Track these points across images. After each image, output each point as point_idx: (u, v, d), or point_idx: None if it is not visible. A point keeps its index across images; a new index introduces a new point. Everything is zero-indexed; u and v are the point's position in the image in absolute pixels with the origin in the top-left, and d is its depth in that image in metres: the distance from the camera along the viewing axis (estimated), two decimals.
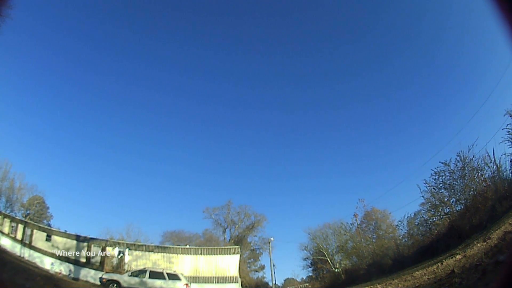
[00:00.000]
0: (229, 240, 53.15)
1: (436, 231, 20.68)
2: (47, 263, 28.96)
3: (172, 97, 79.86)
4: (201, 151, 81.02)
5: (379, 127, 72.35)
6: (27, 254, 30.01)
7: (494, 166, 17.67)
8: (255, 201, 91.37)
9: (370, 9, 66.09)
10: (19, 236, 31.37)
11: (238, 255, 33.77)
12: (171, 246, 37.25)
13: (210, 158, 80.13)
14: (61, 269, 28.82)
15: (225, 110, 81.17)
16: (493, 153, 18.01)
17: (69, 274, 28.43)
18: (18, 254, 28.84)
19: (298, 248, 60.07)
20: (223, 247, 39.43)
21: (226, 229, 55.74)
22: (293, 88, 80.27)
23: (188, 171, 78.76)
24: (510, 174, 16.61)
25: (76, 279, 27.25)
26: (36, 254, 30.10)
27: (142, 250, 32.07)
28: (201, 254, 32.43)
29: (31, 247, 30.67)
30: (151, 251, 32.09)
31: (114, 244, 32.08)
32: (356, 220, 37.26)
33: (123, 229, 56.24)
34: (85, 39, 69.96)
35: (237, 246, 37.30)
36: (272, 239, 45.01)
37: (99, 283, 20.21)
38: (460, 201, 19.92)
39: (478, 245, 10.27)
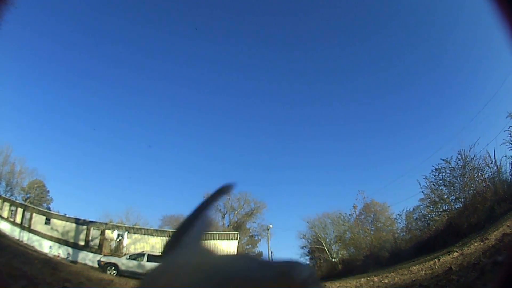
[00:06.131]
0: (228, 225, 53.33)
1: (434, 227, 20.96)
2: (46, 247, 29.16)
3: (172, 81, 79.53)
4: (203, 137, 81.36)
5: (382, 123, 72.42)
6: (26, 237, 30.21)
7: (495, 167, 17.87)
8: (255, 188, 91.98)
9: (376, 14, 65.77)
10: (18, 220, 31.59)
11: (237, 241, 34.35)
12: (170, 230, 36.93)
13: (211, 144, 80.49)
14: (60, 252, 28.92)
15: (227, 97, 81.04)
16: (494, 154, 18.15)
17: (67, 257, 28.41)
18: (17, 238, 29.03)
19: (296, 236, 60.50)
20: (221, 232, 39.56)
21: (226, 215, 55.97)
22: (299, 80, 79.93)
23: (189, 156, 79.16)
24: (510, 177, 16.80)
25: (75, 262, 27.12)
26: (35, 237, 30.35)
27: (141, 234, 32.32)
28: None
29: (30, 230, 30.90)
30: (150, 235, 32.34)
31: (113, 227, 32.31)
32: (355, 211, 37.23)
33: (122, 212, 56.89)
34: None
35: (236, 232, 38.02)
36: (271, 226, 45.60)
37: (97, 266, 20.39)
38: (460, 199, 20.16)
39: (476, 244, 10.45)
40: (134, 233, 32.31)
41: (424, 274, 10.63)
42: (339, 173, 73.26)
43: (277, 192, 76.33)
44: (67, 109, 69.21)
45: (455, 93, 54.09)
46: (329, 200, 75.21)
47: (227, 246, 32.45)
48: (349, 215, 37.02)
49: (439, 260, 11.50)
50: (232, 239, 34.28)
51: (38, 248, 27.34)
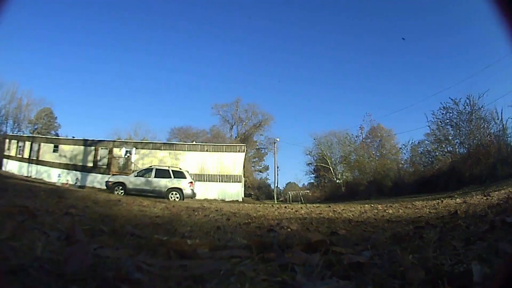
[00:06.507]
0: (236, 137, 54.51)
1: (437, 167, 22.28)
2: (54, 176, 29.14)
3: None
4: (212, 46, 79.31)
5: (399, 50, 70.79)
6: (34, 171, 30.30)
7: (501, 125, 18.73)
8: (264, 99, 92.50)
9: None
10: (26, 154, 31.35)
11: (244, 153, 33.81)
12: (177, 143, 36.98)
13: (220, 52, 78.99)
14: (68, 179, 28.83)
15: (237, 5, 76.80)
16: (502, 112, 18.91)
17: (76, 183, 28.14)
18: (25, 174, 28.91)
19: (302, 152, 62.16)
20: (229, 144, 39.53)
21: (233, 126, 56.81)
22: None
23: (197, 65, 78.23)
24: None
25: (83, 186, 26.83)
26: (44, 168, 30.45)
27: (149, 148, 32.15)
28: (207, 151, 32.25)
29: (38, 162, 30.81)
30: (158, 149, 32.15)
31: (121, 144, 32.20)
32: (361, 133, 38.20)
33: (131, 128, 57.71)
34: None
35: (243, 144, 37.47)
36: (277, 139, 44.70)
37: (105, 188, 19.87)
38: (464, 144, 21.39)
39: (478, 197, 10.39)
40: (142, 148, 32.14)
41: (429, 212, 11.54)
42: (348, 93, 74.03)
43: (286, 105, 77.48)
44: (71, 25, 66.01)
45: (474, 37, 52.44)
46: (336, 118, 76.95)
47: (234, 159, 32.41)
48: (356, 136, 38.20)
49: (442, 201, 11.17)
50: (239, 151, 33.46)
51: (47, 179, 27.59)
